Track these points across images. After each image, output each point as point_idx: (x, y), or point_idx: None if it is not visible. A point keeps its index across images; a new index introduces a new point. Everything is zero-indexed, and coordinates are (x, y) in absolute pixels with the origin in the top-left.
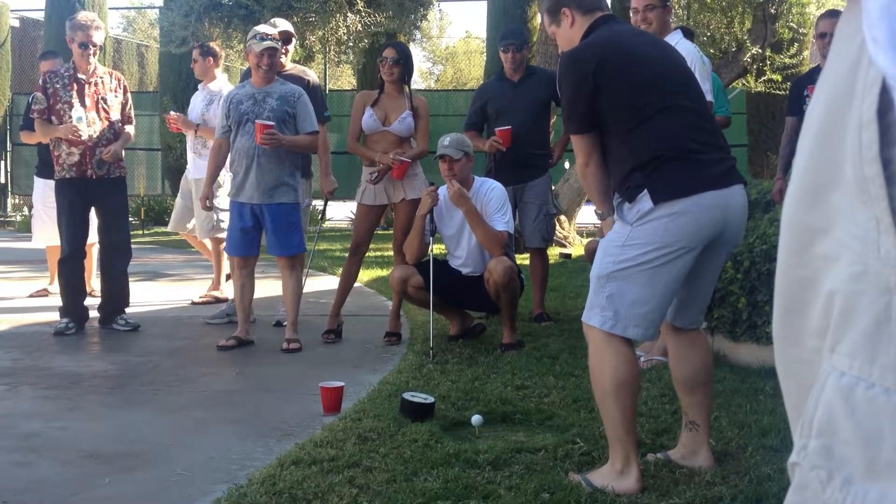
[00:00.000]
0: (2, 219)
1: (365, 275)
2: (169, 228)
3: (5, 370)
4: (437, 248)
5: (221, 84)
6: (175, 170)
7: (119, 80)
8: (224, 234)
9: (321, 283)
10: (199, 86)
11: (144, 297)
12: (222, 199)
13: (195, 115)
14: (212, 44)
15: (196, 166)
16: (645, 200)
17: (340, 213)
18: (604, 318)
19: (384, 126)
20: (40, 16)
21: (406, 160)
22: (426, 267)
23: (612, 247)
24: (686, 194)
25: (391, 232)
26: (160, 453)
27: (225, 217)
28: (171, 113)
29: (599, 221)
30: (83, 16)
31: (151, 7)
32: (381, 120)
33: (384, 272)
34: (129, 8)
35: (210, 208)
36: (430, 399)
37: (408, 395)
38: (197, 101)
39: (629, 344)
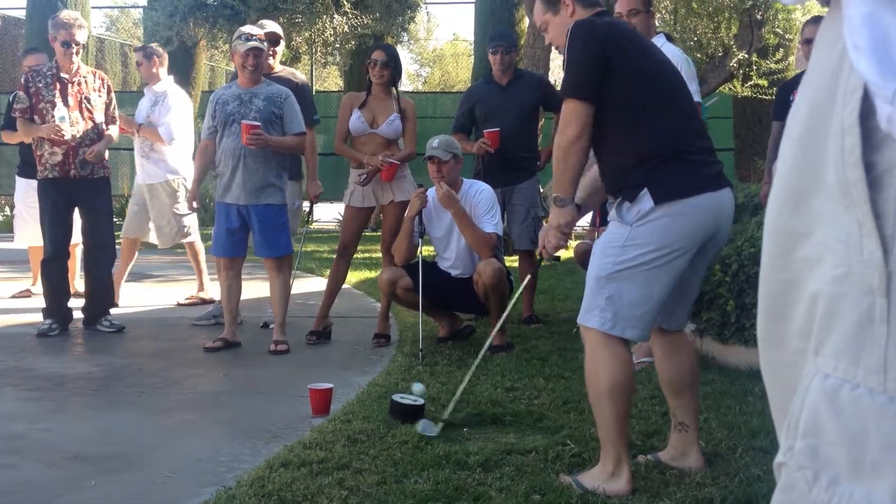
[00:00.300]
0: None
1: (353, 276)
2: (121, 234)
3: None
4: (425, 250)
5: (166, 86)
6: None
7: (103, 80)
8: (189, 238)
9: (309, 285)
10: (145, 89)
11: (129, 298)
12: (183, 205)
13: (141, 117)
14: (154, 45)
15: (144, 170)
16: (646, 200)
17: (328, 214)
18: (603, 319)
19: (372, 128)
20: (22, 14)
21: (395, 162)
22: (415, 269)
23: (611, 247)
24: (686, 195)
25: (379, 234)
26: (146, 455)
27: (188, 222)
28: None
29: (555, 207)
30: (66, 14)
31: (135, 7)
32: (368, 122)
33: (372, 274)
34: (113, 7)
35: (196, 209)
36: (420, 401)
37: (397, 397)
38: (143, 104)
39: (626, 345)
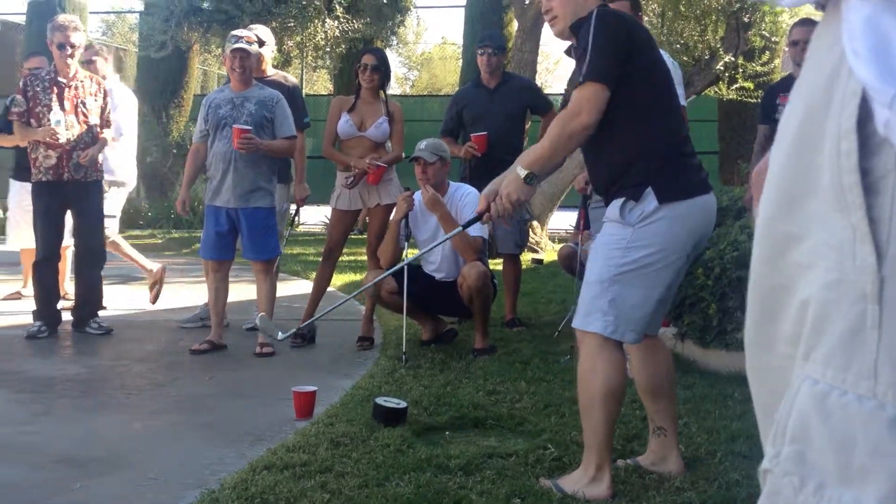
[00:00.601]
0: None
1: (338, 279)
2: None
3: None
4: (411, 253)
5: (112, 83)
6: (150, 174)
7: (99, 84)
8: (109, 240)
9: (294, 288)
10: None
11: (117, 300)
12: (107, 206)
13: None
14: (99, 44)
15: None
16: (650, 200)
17: (314, 217)
18: (605, 323)
19: (360, 131)
20: (21, 19)
21: (382, 165)
22: (400, 272)
23: (612, 250)
24: (689, 196)
25: (365, 236)
26: (132, 458)
27: (108, 223)
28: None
29: (522, 182)
30: (62, 17)
31: (132, 11)
32: (356, 125)
33: (357, 276)
34: (110, 12)
35: (187, 212)
36: (403, 404)
37: (380, 400)
38: None
39: (622, 350)
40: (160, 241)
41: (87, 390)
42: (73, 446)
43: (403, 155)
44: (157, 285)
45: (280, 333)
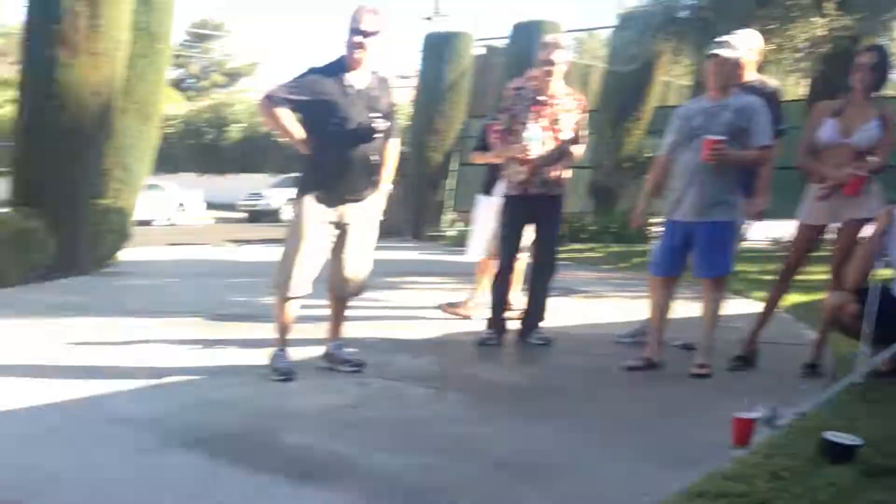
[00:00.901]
0: (437, 233)
1: (784, 300)
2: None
3: (435, 374)
4: (883, 274)
5: None
6: (601, 188)
7: (578, 102)
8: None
9: (736, 307)
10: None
11: (557, 312)
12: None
13: None
14: None
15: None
16: None
17: (759, 232)
18: None
19: (844, 138)
20: (500, 42)
21: (862, 175)
22: (864, 292)
23: None
24: None
25: (821, 254)
26: (566, 469)
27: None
28: None
29: None
30: (549, 37)
31: (605, 27)
32: (841, 132)
33: (804, 297)
34: (582, 30)
35: (642, 225)
36: (857, 441)
37: (829, 435)
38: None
39: None
40: (600, 255)
41: (526, 398)
42: (511, 452)
43: (889, 164)
44: (458, 312)
45: (780, 420)
